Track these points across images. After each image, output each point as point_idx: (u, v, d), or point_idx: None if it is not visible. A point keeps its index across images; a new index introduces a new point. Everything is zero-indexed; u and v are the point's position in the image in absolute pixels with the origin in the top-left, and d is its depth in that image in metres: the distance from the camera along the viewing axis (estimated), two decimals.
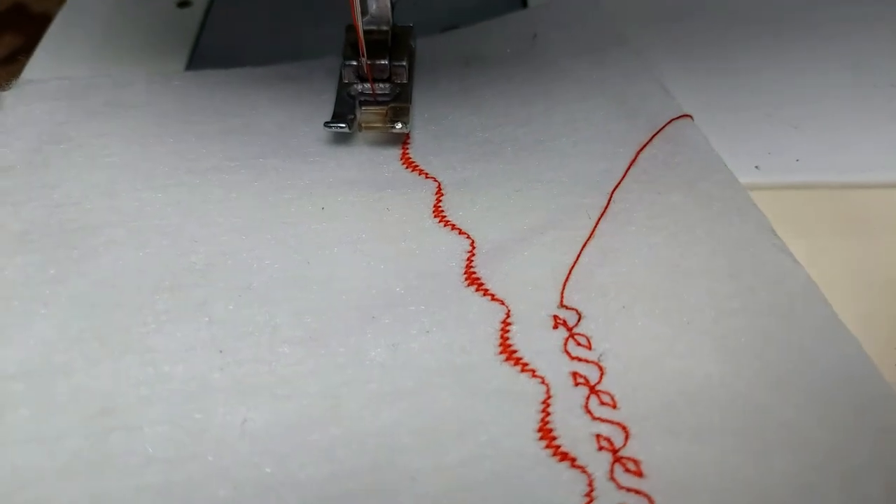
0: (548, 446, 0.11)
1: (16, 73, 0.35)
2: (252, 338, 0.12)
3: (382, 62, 0.16)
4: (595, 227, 0.13)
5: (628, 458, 0.11)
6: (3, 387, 0.11)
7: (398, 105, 0.16)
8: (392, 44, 0.16)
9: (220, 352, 0.12)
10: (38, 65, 0.18)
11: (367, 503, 0.10)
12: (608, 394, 0.11)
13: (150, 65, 0.18)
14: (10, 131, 0.15)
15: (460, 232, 0.14)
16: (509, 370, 0.12)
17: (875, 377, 0.12)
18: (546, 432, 0.11)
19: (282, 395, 0.11)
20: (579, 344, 0.12)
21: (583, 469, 0.11)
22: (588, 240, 0.13)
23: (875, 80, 0.17)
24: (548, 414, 0.11)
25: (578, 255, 0.13)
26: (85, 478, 0.10)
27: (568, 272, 0.13)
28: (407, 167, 0.15)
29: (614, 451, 0.11)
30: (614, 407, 0.11)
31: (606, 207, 0.14)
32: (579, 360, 0.12)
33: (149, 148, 0.15)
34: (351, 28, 0.16)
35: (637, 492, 0.10)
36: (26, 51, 0.39)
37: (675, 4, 0.18)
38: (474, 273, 0.13)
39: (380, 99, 0.16)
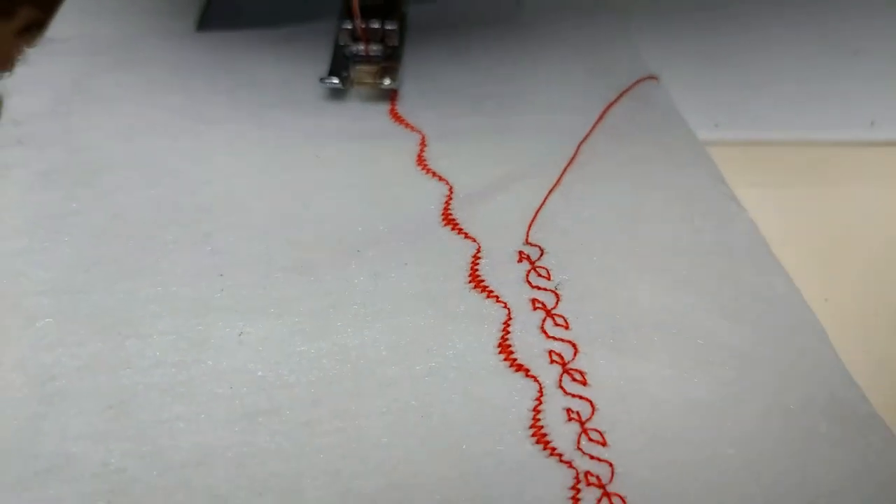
0: (506, 359, 0.12)
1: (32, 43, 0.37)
2: (250, 265, 0.14)
3: (375, 25, 0.17)
4: (562, 175, 0.15)
5: (576, 370, 0.12)
6: (33, 300, 0.13)
7: (388, 64, 0.17)
8: (385, 8, 0.18)
9: (221, 275, 0.13)
10: (60, 26, 0.19)
11: (348, 404, 0.12)
12: (562, 317, 0.13)
13: (163, 26, 0.19)
14: (36, 83, 0.17)
15: (440, 179, 0.15)
16: (477, 297, 0.13)
17: (801, 305, 0.13)
18: (505, 348, 0.12)
19: (274, 313, 0.13)
20: (539, 275, 0.13)
21: (535, 378, 0.12)
22: (554, 186, 0.15)
23: (838, 47, 0.18)
24: (508, 333, 0.13)
25: (544, 200, 0.14)
26: (103, 375, 0.12)
27: (534, 214, 0.14)
28: (395, 120, 0.16)
29: (563, 364, 0.12)
30: (566, 328, 0.13)
31: (573, 158, 0.15)
32: (539, 288, 0.13)
33: (161, 99, 0.16)
34: None
35: (581, 397, 0.12)
36: (42, 24, 0.41)
37: None
38: (451, 215, 0.15)
39: (372, 58, 0.17)
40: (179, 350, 0.12)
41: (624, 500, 0.11)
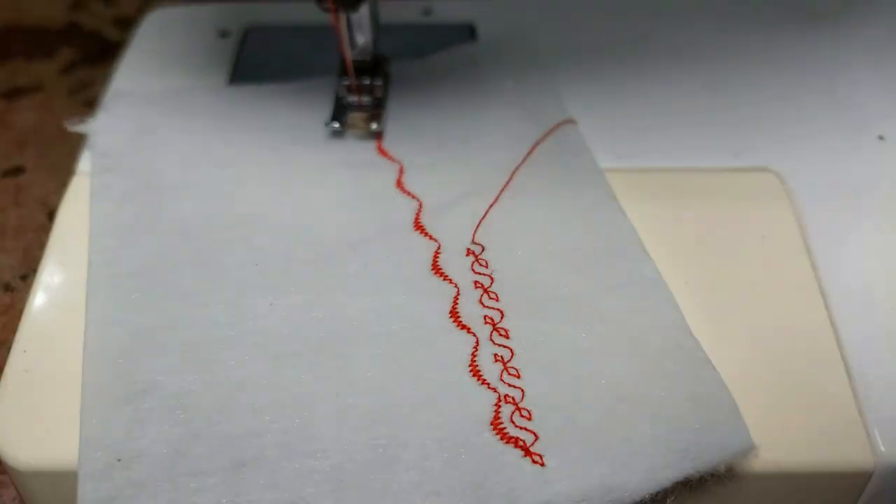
0: (455, 321, 0.18)
1: (76, 83, 0.43)
2: (276, 258, 0.19)
3: (365, 81, 0.23)
4: (500, 194, 0.21)
5: (502, 328, 0.18)
6: (123, 280, 0.18)
7: (375, 111, 0.23)
8: (373, 68, 0.23)
9: (256, 265, 0.19)
10: (122, 81, 0.25)
11: (345, 350, 0.17)
12: (494, 293, 0.18)
13: (201, 82, 0.25)
14: (113, 125, 0.23)
15: (413, 197, 0.21)
16: (436, 280, 0.19)
17: (662, 285, 0.19)
18: (455, 314, 0.18)
19: (294, 290, 0.18)
20: (481, 265, 0.19)
21: (474, 334, 0.18)
22: (494, 202, 0.20)
23: (714, 90, 0.24)
24: (456, 304, 0.18)
25: (486, 212, 0.20)
26: (177, 331, 0.17)
27: (479, 222, 0.20)
28: (381, 154, 0.22)
29: (494, 324, 0.18)
30: (497, 300, 0.18)
31: (508, 182, 0.21)
32: (480, 273, 0.19)
33: (205, 138, 0.22)
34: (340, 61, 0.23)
35: (504, 346, 0.17)
36: (82, 62, 0.46)
37: (581, 40, 0.25)
38: (420, 222, 0.20)
39: (363, 107, 0.23)
40: (229, 314, 0.18)
41: (530, 413, 0.16)
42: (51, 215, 0.36)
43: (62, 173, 0.39)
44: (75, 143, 0.39)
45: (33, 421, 0.18)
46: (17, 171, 0.39)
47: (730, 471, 0.17)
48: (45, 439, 0.18)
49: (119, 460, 0.16)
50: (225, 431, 0.16)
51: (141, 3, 0.49)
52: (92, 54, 0.46)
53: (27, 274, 0.34)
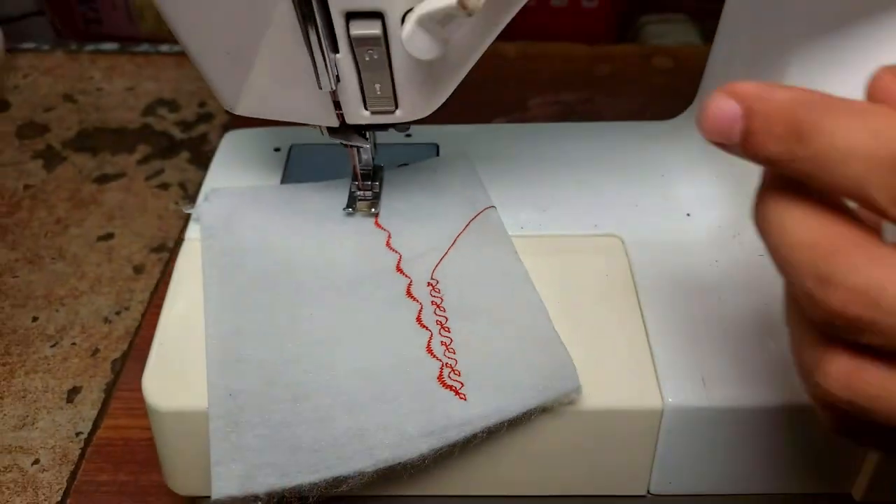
0: (418, 323, 0.30)
1: (150, 171, 0.59)
2: (314, 287, 0.32)
3: (367, 182, 0.36)
4: (447, 251, 0.33)
5: (447, 327, 0.30)
6: (226, 299, 0.31)
7: (374, 200, 0.36)
8: (373, 174, 0.37)
9: (302, 291, 0.31)
10: (214, 179, 0.38)
11: (352, 335, 0.30)
12: (443, 308, 0.31)
13: (263, 181, 0.38)
14: (211, 209, 0.35)
15: (396, 252, 0.34)
16: (408, 300, 0.31)
17: (541, 306, 0.31)
18: (419, 320, 0.30)
19: (326, 304, 0.31)
20: (436, 291, 0.32)
21: (429, 330, 0.30)
22: (444, 255, 0.33)
23: (585, 189, 0.37)
24: (420, 313, 0.30)
25: (440, 261, 0.33)
26: (259, 327, 0.30)
27: (434, 266, 0.33)
28: (377, 226, 0.35)
29: (441, 325, 0.30)
30: (444, 311, 0.31)
31: (453, 243, 0.34)
32: (434, 296, 0.31)
33: (270, 217, 0.35)
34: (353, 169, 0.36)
35: (447, 336, 0.30)
36: (154, 155, 0.61)
37: (500, 156, 0.39)
38: (400, 267, 0.33)
39: (366, 198, 0.36)
40: (286, 318, 0.29)
41: (459, 373, 0.29)
42: (136, 269, 0.49)
43: (142, 238, 0.53)
44: (150, 217, 0.54)
45: (169, 380, 0.30)
46: (108, 236, 0.52)
47: (567, 403, 0.29)
48: (177, 392, 0.30)
49: (230, 395, 0.28)
50: (286, 381, 0.28)
51: (198, 109, 0.64)
52: (162, 150, 0.59)
53: (120, 311, 0.47)
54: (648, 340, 0.30)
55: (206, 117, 0.62)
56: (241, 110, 0.28)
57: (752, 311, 0.31)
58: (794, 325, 0.17)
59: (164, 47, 0.70)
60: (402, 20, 0.22)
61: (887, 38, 0.23)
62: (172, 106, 0.63)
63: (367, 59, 0.22)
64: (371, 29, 0.22)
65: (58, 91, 0.65)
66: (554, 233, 0.33)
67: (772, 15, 0.29)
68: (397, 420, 0.26)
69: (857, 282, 0.14)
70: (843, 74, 0.26)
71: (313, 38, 0.22)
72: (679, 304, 0.30)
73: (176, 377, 0.29)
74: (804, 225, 0.14)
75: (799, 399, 0.28)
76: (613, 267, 0.32)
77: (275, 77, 0.24)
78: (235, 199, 0.34)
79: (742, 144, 0.15)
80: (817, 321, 0.15)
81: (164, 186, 0.54)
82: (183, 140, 0.59)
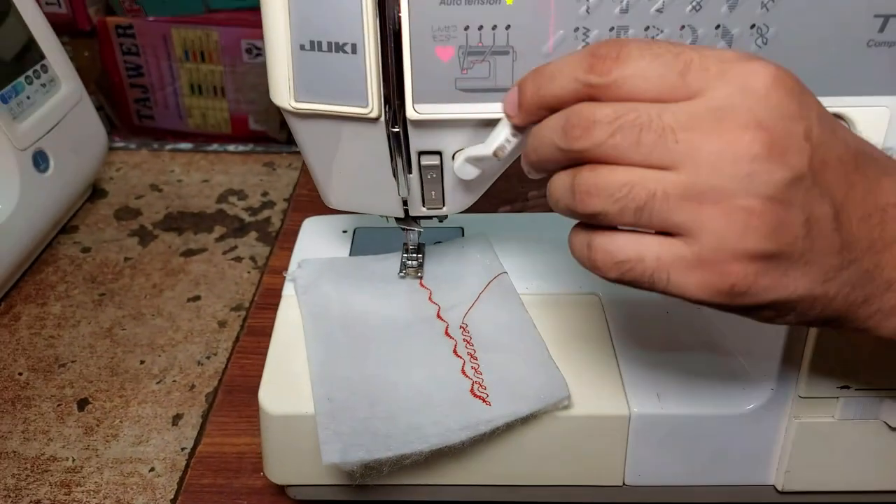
0: (454, 354, 0.42)
1: (226, 247, 0.74)
2: (380, 327, 0.44)
3: (414, 255, 0.49)
4: (473, 303, 0.46)
5: (475, 357, 0.42)
6: (319, 334, 0.43)
7: (419, 268, 0.49)
8: (417, 248, 0.50)
9: (370, 330, 0.44)
10: (298, 256, 0.52)
11: (409, 360, 0.42)
12: (472, 344, 0.43)
13: (336, 253, 0.51)
14: (303, 274, 0.48)
15: (436, 304, 0.46)
16: (446, 338, 0.44)
17: (538, 336, 0.43)
18: (455, 352, 0.43)
19: (390, 338, 0.43)
20: (466, 332, 0.44)
21: (462, 359, 0.42)
22: (471, 307, 0.46)
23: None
24: (455, 348, 0.43)
25: (468, 310, 0.46)
26: (342, 353, 0.42)
27: (465, 313, 0.45)
28: (421, 286, 0.48)
29: (471, 355, 0.42)
30: (472, 346, 0.43)
31: (477, 299, 0.47)
32: (465, 337, 0.44)
33: (343, 280, 0.48)
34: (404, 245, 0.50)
35: (475, 364, 0.42)
36: (229, 234, 0.76)
37: (509, 235, 0.53)
38: (440, 315, 0.46)
39: (414, 266, 0.49)
40: (359, 346, 0.43)
41: (485, 388, 0.41)
42: (220, 323, 0.62)
43: (223, 300, 0.67)
44: (229, 283, 0.68)
45: (277, 393, 0.42)
46: (196, 298, 0.65)
47: (561, 409, 0.41)
48: (283, 401, 0.42)
49: (329, 399, 0.40)
50: (364, 391, 0.40)
51: (262, 197, 0.78)
52: (234, 230, 0.73)
53: (209, 356, 0.59)
54: (618, 365, 0.42)
55: (268, 204, 0.76)
56: (334, 204, 0.41)
57: (696, 337, 0.43)
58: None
59: (231, 147, 0.85)
60: (453, 157, 0.36)
61: None
62: (241, 195, 0.78)
63: (429, 177, 0.36)
64: (433, 160, 0.36)
65: (145, 182, 0.80)
66: (550, 291, 0.46)
67: None
68: (443, 419, 0.37)
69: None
70: None
71: (400, 165, 0.36)
72: (639, 338, 0.43)
73: (282, 390, 0.41)
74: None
75: (734, 410, 0.40)
76: (593, 315, 0.45)
77: (365, 185, 0.38)
78: (319, 266, 0.47)
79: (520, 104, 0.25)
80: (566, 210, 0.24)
81: (238, 259, 0.68)
82: (251, 222, 0.73)
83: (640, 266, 0.23)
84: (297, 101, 0.32)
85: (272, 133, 0.90)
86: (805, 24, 0.29)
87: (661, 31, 0.30)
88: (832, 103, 0.30)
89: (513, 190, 0.73)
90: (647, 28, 0.30)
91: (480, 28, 0.30)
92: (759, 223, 0.21)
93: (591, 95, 0.23)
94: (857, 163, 0.22)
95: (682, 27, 0.30)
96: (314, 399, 0.38)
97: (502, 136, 0.29)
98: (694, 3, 0.30)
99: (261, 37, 0.39)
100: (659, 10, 0.29)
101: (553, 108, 0.24)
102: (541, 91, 0.24)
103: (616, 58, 0.22)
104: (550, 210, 0.26)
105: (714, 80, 0.21)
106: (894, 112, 0.30)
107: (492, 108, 0.32)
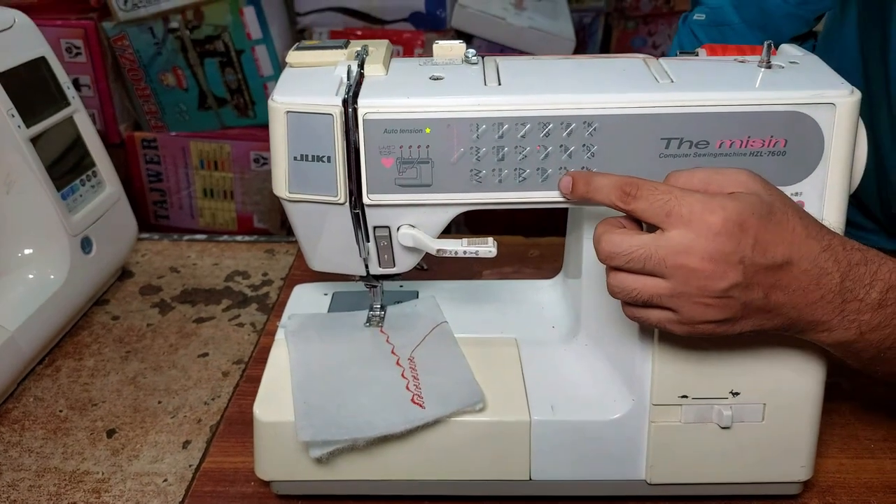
0: (402, 377, 0.57)
1: (232, 315, 0.90)
2: (349, 361, 0.59)
3: (377, 311, 0.65)
4: (419, 343, 0.61)
5: (417, 378, 0.57)
6: (303, 365, 0.58)
7: (381, 321, 0.65)
8: (381, 308, 0.66)
9: (341, 367, 0.59)
10: (291, 309, 0.67)
11: (372, 381, 0.57)
12: (416, 370, 0.58)
13: (318, 311, 0.67)
14: (292, 324, 0.63)
15: (391, 344, 0.62)
16: (397, 366, 0.59)
17: (468, 368, 0.58)
18: (403, 375, 0.57)
19: (357, 368, 0.58)
20: (413, 363, 0.59)
21: (408, 379, 0.57)
22: (417, 345, 0.61)
23: (501, 315, 0.66)
24: (403, 373, 0.58)
25: (414, 348, 0.61)
26: (322, 373, 0.57)
27: (412, 350, 0.61)
28: (381, 332, 0.63)
29: (414, 377, 0.57)
30: (416, 370, 0.58)
31: (422, 340, 0.62)
32: (412, 365, 0.59)
33: (322, 329, 0.63)
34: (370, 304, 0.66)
35: (416, 383, 0.57)
36: (234, 306, 0.92)
37: (449, 296, 0.69)
38: (394, 352, 0.61)
39: (376, 320, 0.65)
40: (338, 369, 0.57)
41: (422, 397, 0.55)
42: (223, 374, 0.76)
43: (227, 356, 0.83)
44: (232, 344, 0.85)
45: (266, 406, 0.56)
46: (205, 355, 0.79)
47: (478, 411, 0.54)
48: (271, 411, 0.56)
49: (305, 403, 0.53)
50: (333, 400, 0.54)
51: (262, 276, 0.94)
52: (238, 302, 0.89)
53: (214, 398, 0.73)
54: (524, 384, 0.56)
55: (267, 282, 0.92)
56: (316, 266, 0.58)
57: (584, 362, 0.58)
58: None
59: (239, 237, 1.03)
60: (398, 229, 0.53)
61: None
62: (245, 275, 0.94)
63: (382, 244, 0.53)
64: (384, 232, 0.53)
65: (166, 265, 0.96)
66: (479, 336, 0.58)
67: None
68: (390, 416, 0.52)
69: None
70: None
71: (360, 235, 0.53)
72: (542, 367, 0.58)
73: (271, 405, 0.55)
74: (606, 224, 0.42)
75: (607, 416, 0.54)
76: (510, 351, 0.59)
77: (338, 250, 0.55)
78: (305, 318, 0.61)
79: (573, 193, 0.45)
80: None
81: (241, 325, 0.83)
82: (252, 296, 0.89)
83: (650, 320, 0.44)
84: (290, 192, 0.50)
85: (273, 230, 1.08)
86: (615, 144, 0.48)
87: (525, 149, 0.48)
88: None
89: (469, 269, 0.89)
90: (515, 147, 0.48)
91: (410, 147, 0.48)
92: (714, 309, 0.40)
93: (618, 208, 0.43)
94: (785, 261, 0.39)
95: (539, 146, 0.48)
96: (294, 403, 0.53)
97: (458, 247, 0.47)
98: (545, 132, 0.48)
99: (267, 149, 0.58)
100: (522, 136, 0.48)
101: (589, 203, 0.46)
102: (588, 194, 0.44)
103: (634, 196, 0.41)
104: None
105: (685, 223, 0.39)
106: None
107: (419, 198, 0.49)
